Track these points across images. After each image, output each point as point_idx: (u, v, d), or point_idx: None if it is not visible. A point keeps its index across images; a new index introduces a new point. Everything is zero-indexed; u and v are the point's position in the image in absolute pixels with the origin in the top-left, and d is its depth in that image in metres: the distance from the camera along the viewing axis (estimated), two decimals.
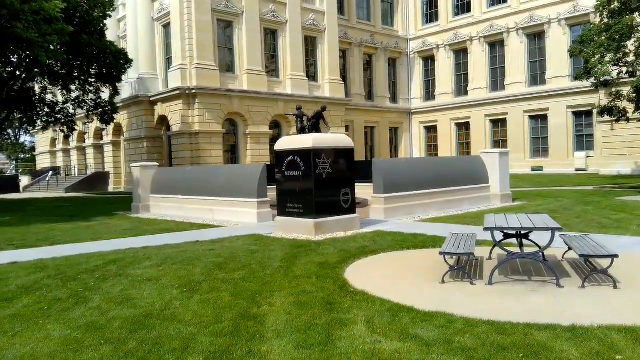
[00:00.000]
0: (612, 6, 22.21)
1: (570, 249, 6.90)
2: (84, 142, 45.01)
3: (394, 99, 48.38)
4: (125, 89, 37.48)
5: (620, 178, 29.51)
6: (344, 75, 43.07)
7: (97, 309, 5.53)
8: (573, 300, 5.58)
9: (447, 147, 45.85)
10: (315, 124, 18.92)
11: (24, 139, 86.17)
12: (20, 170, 64.68)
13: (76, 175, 44.31)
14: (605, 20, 22.23)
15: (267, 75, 35.95)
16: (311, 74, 39.10)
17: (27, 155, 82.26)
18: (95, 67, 27.39)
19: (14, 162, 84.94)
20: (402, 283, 6.54)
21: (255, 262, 7.85)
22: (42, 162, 53.30)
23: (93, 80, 28.20)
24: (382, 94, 46.78)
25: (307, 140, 11.42)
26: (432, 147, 47.87)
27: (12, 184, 41.77)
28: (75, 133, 45.50)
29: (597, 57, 20.03)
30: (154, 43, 36.11)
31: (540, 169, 38.85)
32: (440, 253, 6.52)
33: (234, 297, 5.81)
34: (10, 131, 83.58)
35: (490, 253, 7.88)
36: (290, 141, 11.99)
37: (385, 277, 6.88)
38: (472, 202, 16.72)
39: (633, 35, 19.91)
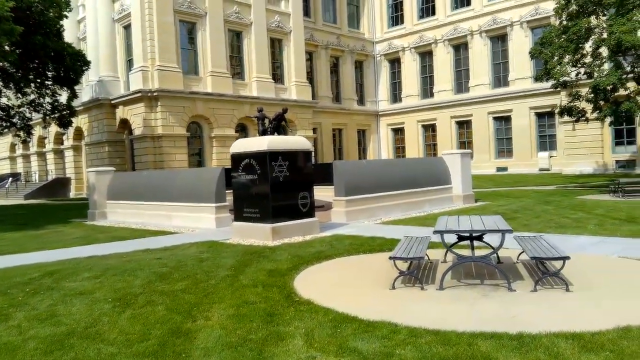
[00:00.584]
0: (571, 9, 22.56)
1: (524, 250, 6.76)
2: (44, 147, 43.60)
3: (361, 101, 48.40)
4: (86, 92, 36.44)
5: (582, 177, 30.06)
6: (310, 78, 42.84)
7: (17, 328, 5.09)
8: (523, 305, 5.40)
9: (414, 148, 46.07)
10: (276, 126, 18.53)
11: None
12: None
13: (37, 181, 42.89)
14: (565, 22, 22.57)
15: (232, 77, 35.42)
16: (277, 76, 38.73)
17: None
18: (51, 69, 26.44)
19: None
20: (351, 290, 6.28)
21: (202, 271, 7.48)
22: (2, 168, 51.45)
23: (50, 82, 27.20)
24: (349, 96, 46.73)
25: (263, 143, 11.10)
26: (399, 148, 48.04)
27: None
28: (35, 138, 44.12)
29: (555, 58, 20.27)
30: (115, 44, 35.19)
31: (505, 169, 39.35)
32: (390, 258, 6.28)
33: (169, 311, 5.45)
34: None
35: (445, 256, 7.69)
36: (246, 144, 11.65)
37: (334, 284, 6.60)
38: (434, 204, 16.64)
39: (590, 38, 20.22)
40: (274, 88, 37.52)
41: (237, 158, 11.58)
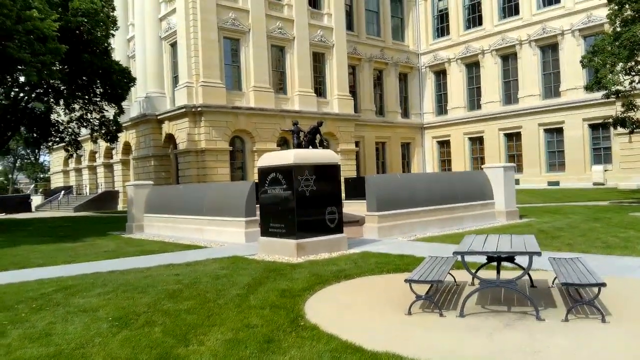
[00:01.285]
0: (625, 14, 21.35)
1: None
2: (95, 161, 45.18)
3: (405, 114, 47.66)
4: (134, 108, 37.55)
5: (639, 192, 28.23)
6: (353, 91, 42.56)
7: (6, 347, 4.94)
8: (550, 338, 4.80)
9: (460, 161, 44.84)
10: (311, 139, 18.35)
11: (43, 158, 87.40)
12: (38, 190, 65.31)
13: (87, 194, 44.42)
14: (618, 29, 21.38)
15: (274, 91, 35.61)
16: (320, 89, 38.68)
17: (46, 175, 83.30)
18: (98, 86, 27.31)
19: (34, 181, 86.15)
20: (363, 315, 5.83)
21: (214, 289, 7.21)
22: (56, 181, 53.71)
23: (97, 99, 28.10)
24: (393, 109, 46.11)
25: (289, 156, 10.81)
26: (445, 162, 46.90)
27: (23, 203, 41.96)
28: (87, 152, 45.90)
29: (607, 66, 19.13)
30: (162, 62, 36.13)
31: (557, 183, 37.60)
32: (406, 281, 5.80)
33: (165, 333, 5.17)
34: (29, 151, 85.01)
35: (473, 279, 7.09)
36: (273, 157, 11.40)
37: (348, 307, 6.17)
38: (474, 220, 15.87)
39: None
40: (316, 102, 37.45)
41: (264, 172, 11.35)
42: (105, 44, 27.36)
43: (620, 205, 20.44)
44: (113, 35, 27.64)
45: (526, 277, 6.88)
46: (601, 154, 36.05)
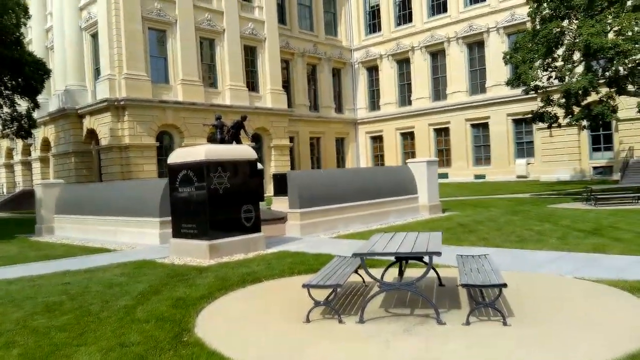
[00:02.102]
0: (544, 13, 22.02)
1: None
2: (12, 158, 42.26)
3: (339, 109, 47.70)
4: (53, 102, 35.33)
5: (560, 184, 29.52)
6: (287, 86, 42.04)
7: None
8: (449, 343, 4.56)
9: (392, 156, 45.42)
10: (235, 134, 17.76)
11: None
12: None
13: (4, 193, 41.49)
14: (538, 27, 22.05)
15: (204, 85, 34.53)
16: (252, 84, 37.90)
17: None
18: (9, 79, 25.33)
19: None
20: (257, 325, 5.39)
21: (101, 300, 6.56)
22: None
23: (9, 92, 26.07)
24: (327, 104, 46.01)
25: (200, 152, 10.20)
26: (378, 157, 47.37)
27: None
28: (3, 149, 42.85)
29: (526, 62, 19.66)
30: (82, 53, 34.12)
31: (483, 177, 38.80)
32: (304, 286, 5.41)
33: (24, 356, 4.54)
34: None
35: (382, 278, 6.80)
36: (183, 154, 10.74)
37: (243, 317, 5.72)
38: (399, 215, 15.84)
39: (562, 41, 19.64)
40: (248, 96, 36.66)
41: (174, 169, 10.67)
42: (17, 34, 25.39)
43: (540, 198, 21.16)
44: (25, 24, 25.72)
45: (434, 275, 6.69)
46: (524, 148, 37.49)
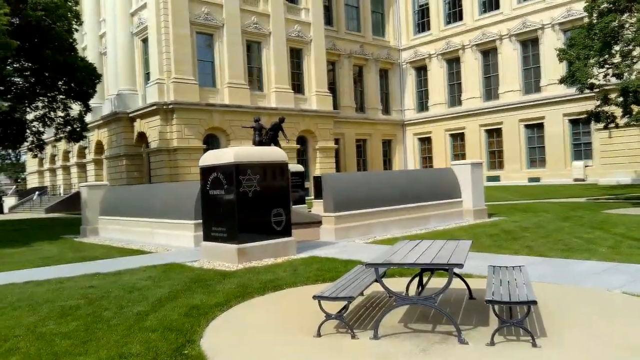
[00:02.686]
0: (602, 7, 20.75)
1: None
2: (69, 161, 44.07)
3: (386, 110, 47.02)
4: (106, 106, 36.57)
5: (619, 188, 27.78)
6: (333, 88, 41.81)
7: None
8: None
9: (442, 158, 44.29)
10: (273, 136, 17.67)
11: (25, 158, 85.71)
12: (18, 191, 63.82)
13: (61, 194, 43.29)
14: (595, 21, 20.80)
15: (250, 88, 34.78)
16: (298, 86, 37.90)
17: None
18: (63, 83, 26.29)
19: (15, 182, 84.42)
20: (266, 338, 5.08)
21: (117, 305, 6.44)
22: (32, 181, 52.53)
23: (62, 97, 27.08)
24: (373, 105, 45.44)
25: (229, 155, 10.03)
26: (426, 159, 46.34)
27: None
28: (61, 152, 44.76)
29: (580, 59, 18.51)
30: (133, 58, 35.17)
31: (538, 179, 37.15)
32: (315, 297, 5.05)
33: None
34: (10, 151, 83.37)
35: (407, 289, 6.34)
36: (214, 156, 10.59)
37: (253, 328, 5.42)
38: (441, 219, 15.19)
39: (618, 36, 18.38)
40: (293, 98, 36.67)
41: (205, 171, 10.56)
42: (70, 40, 26.31)
43: (595, 202, 19.90)
44: (77, 30, 26.64)
45: (464, 287, 6.18)
46: (582, 150, 35.63)
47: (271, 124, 17.58)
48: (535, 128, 38.12)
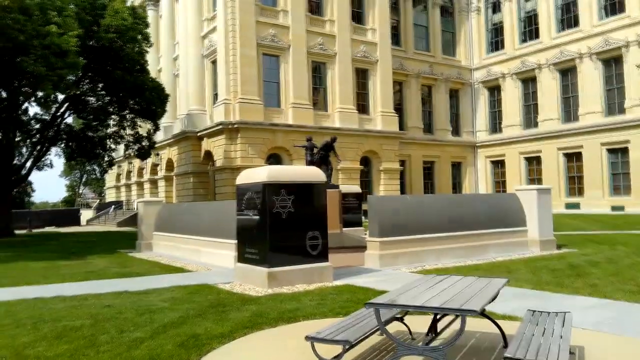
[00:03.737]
0: None
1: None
2: (142, 177, 45.96)
3: (456, 131, 45.40)
4: (177, 125, 37.85)
5: None
6: (400, 108, 41.00)
7: None
8: None
9: (516, 182, 41.83)
10: (324, 156, 17.18)
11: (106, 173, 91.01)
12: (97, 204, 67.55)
13: (135, 209, 45.13)
14: None
15: (314, 108, 34.73)
16: (363, 106, 37.41)
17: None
18: (133, 103, 27.43)
19: (99, 196, 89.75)
20: None
21: (119, 329, 6.08)
22: (110, 196, 55.31)
23: (133, 115, 28.24)
24: (442, 126, 44.04)
25: (262, 174, 9.61)
26: (499, 183, 44.13)
27: (72, 217, 43.12)
28: (136, 168, 46.84)
29: None
30: (203, 79, 36.25)
31: (622, 208, 34.13)
32: (307, 338, 4.40)
33: None
34: (95, 167, 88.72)
35: (429, 332, 5.50)
36: (248, 175, 10.24)
37: None
38: (501, 249, 13.94)
39: None
40: (357, 118, 36.21)
41: (240, 190, 10.21)
42: (141, 61, 27.49)
43: None
44: (147, 52, 27.75)
45: (497, 332, 5.28)
46: None
47: (322, 144, 17.14)
48: (619, 152, 35.23)
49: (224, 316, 6.77)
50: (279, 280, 9.37)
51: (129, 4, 34.44)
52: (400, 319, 5.64)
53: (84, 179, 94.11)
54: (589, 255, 12.99)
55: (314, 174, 10.18)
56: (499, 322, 5.93)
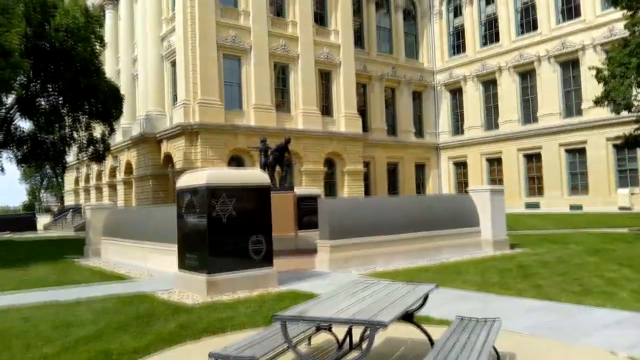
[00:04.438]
0: None
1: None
2: (101, 180, 44.67)
3: (419, 133, 45.67)
4: (135, 128, 36.86)
5: None
6: (363, 110, 40.92)
7: None
8: None
9: (477, 183, 42.08)
10: (278, 157, 16.81)
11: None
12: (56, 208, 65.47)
13: None
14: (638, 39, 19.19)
15: (277, 110, 34.31)
16: (326, 108, 37.17)
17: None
18: (86, 105, 26.50)
19: (59, 201, 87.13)
20: None
21: (26, 345, 5.62)
22: (69, 200, 53.61)
23: (86, 117, 27.30)
24: (406, 128, 44.22)
25: (202, 176, 9.20)
26: (462, 183, 44.53)
27: (28, 223, 41.56)
28: (94, 172, 45.50)
29: (617, 78, 16.94)
30: (163, 81, 35.41)
31: (580, 207, 34.80)
32: (211, 355, 4.03)
33: None
34: (56, 170, 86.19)
35: (342, 344, 5.16)
36: (188, 178, 9.80)
37: None
38: (455, 250, 13.83)
39: None
40: (321, 120, 35.96)
41: (180, 194, 9.77)
42: (95, 61, 26.62)
43: (637, 234, 18.00)
44: (100, 52, 26.89)
45: (425, 339, 5.01)
46: (627, 176, 33.24)
47: (276, 145, 16.76)
48: (577, 153, 35.98)
49: (146, 329, 6.34)
50: (219, 287, 8.97)
51: (88, 3, 33.42)
52: (328, 328, 5.30)
53: (44, 183, 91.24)
54: (540, 255, 12.99)
55: (257, 176, 9.81)
56: (434, 327, 5.70)
